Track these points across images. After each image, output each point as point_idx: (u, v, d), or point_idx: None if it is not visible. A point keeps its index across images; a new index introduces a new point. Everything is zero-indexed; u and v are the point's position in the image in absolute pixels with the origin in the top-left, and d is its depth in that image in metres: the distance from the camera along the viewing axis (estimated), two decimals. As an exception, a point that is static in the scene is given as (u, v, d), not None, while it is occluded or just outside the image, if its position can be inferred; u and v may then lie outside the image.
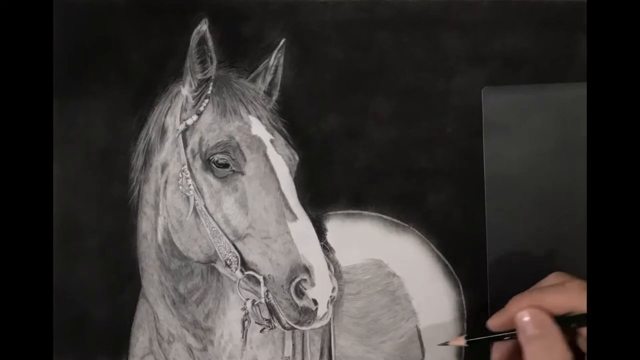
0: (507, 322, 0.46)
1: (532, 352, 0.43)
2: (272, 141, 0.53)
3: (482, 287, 0.54)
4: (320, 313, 0.50)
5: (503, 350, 0.48)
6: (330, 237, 0.55)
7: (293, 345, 0.55)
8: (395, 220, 0.55)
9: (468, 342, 0.48)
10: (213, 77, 0.53)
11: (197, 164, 0.53)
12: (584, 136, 0.48)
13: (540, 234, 0.54)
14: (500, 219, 0.54)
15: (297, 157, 0.54)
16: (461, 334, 0.54)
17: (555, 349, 0.43)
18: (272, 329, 0.52)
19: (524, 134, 0.54)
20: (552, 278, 0.47)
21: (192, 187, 0.52)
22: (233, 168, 0.52)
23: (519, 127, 0.54)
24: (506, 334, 0.46)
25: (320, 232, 0.54)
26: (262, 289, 0.51)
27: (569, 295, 0.44)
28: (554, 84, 0.55)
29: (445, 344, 0.50)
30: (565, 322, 0.44)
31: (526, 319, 0.43)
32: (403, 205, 0.55)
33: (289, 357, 0.55)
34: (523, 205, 0.54)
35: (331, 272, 0.52)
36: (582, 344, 0.45)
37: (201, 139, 0.53)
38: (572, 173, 0.54)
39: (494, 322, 0.47)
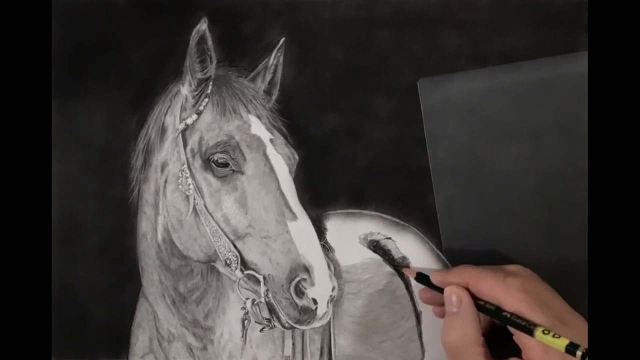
0: (442, 281, 0.49)
1: (446, 325, 0.47)
2: (271, 140, 0.53)
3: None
4: (320, 312, 0.50)
5: (427, 297, 0.52)
6: (330, 237, 0.55)
7: (293, 344, 0.55)
8: (395, 219, 0.55)
9: (416, 278, 0.52)
10: (213, 77, 0.53)
11: (197, 163, 0.53)
12: (540, 119, 0.49)
13: (492, 221, 0.54)
14: (450, 210, 0.54)
15: (296, 157, 0.54)
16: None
17: (466, 330, 0.45)
18: (272, 328, 0.52)
19: (469, 121, 0.54)
20: (512, 267, 0.48)
21: (191, 186, 0.52)
22: (233, 167, 0.52)
23: (462, 115, 0.54)
24: (435, 287, 0.50)
25: (320, 232, 0.54)
26: (262, 289, 0.51)
27: (504, 291, 0.45)
28: (500, 66, 0.54)
29: (399, 267, 0.54)
30: (489, 312, 0.46)
31: (453, 297, 0.47)
32: (403, 205, 0.55)
33: (288, 357, 0.55)
34: (472, 194, 0.54)
35: (331, 271, 0.52)
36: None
37: (201, 138, 0.53)
38: (527, 157, 0.53)
39: (434, 278, 0.50)
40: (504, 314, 0.45)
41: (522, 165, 0.53)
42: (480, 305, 0.46)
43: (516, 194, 0.54)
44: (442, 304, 0.48)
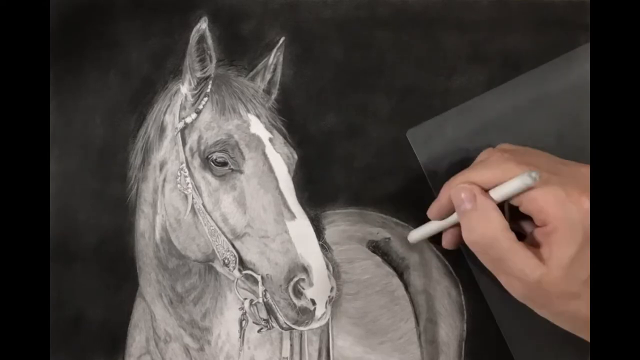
0: (443, 208, 0.47)
1: (467, 224, 0.45)
2: (271, 140, 0.53)
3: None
4: (318, 313, 0.50)
5: (453, 235, 0.50)
6: (328, 237, 0.54)
7: (291, 345, 0.54)
8: (394, 219, 0.55)
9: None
10: (212, 76, 0.53)
11: (196, 162, 0.52)
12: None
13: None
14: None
15: (295, 156, 0.54)
16: (460, 334, 0.54)
17: (489, 218, 0.43)
18: (269, 329, 0.52)
19: (467, 158, 0.53)
20: (482, 154, 0.48)
21: (190, 185, 0.52)
22: (231, 166, 0.52)
23: (460, 153, 0.54)
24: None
25: (319, 231, 0.53)
26: (260, 289, 0.50)
27: (492, 169, 0.44)
28: (472, 100, 0.54)
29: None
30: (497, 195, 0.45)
31: (461, 194, 0.44)
32: (402, 204, 0.54)
33: (286, 358, 0.54)
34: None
35: (330, 271, 0.51)
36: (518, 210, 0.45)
37: (200, 137, 0.53)
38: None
39: (432, 212, 0.49)
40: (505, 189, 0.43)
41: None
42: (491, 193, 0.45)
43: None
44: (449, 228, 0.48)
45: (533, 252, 0.42)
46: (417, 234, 0.52)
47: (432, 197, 0.49)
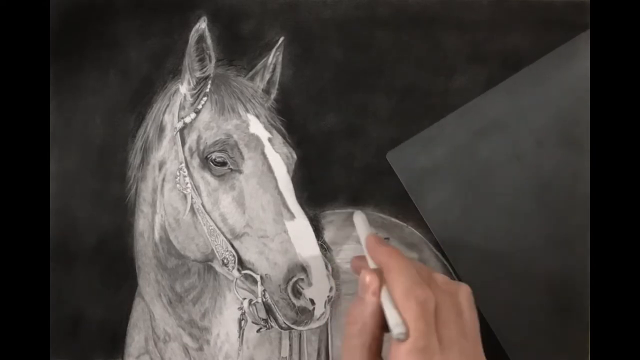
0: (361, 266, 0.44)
1: (352, 306, 0.42)
2: (270, 139, 0.53)
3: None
4: (317, 313, 0.50)
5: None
6: (327, 236, 0.54)
7: (290, 345, 0.54)
8: (393, 219, 0.54)
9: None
10: (211, 75, 0.53)
11: (195, 162, 0.53)
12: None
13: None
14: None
15: (295, 156, 0.54)
16: None
17: (362, 316, 0.40)
18: (269, 328, 0.52)
19: (453, 174, 0.54)
20: (438, 276, 0.43)
21: (189, 185, 0.52)
22: (231, 166, 0.52)
23: (441, 170, 0.54)
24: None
25: (318, 231, 0.53)
26: (259, 289, 0.50)
27: (403, 282, 0.40)
28: (447, 117, 0.54)
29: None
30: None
31: (366, 279, 0.41)
32: (401, 204, 0.54)
33: (285, 358, 0.54)
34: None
35: (329, 271, 0.51)
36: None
37: (199, 137, 0.53)
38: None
39: (354, 263, 0.47)
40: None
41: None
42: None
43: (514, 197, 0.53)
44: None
45: None
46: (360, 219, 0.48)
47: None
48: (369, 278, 0.41)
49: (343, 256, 0.55)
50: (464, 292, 0.42)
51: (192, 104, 0.53)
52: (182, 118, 0.53)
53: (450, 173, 0.53)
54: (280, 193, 0.51)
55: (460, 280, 0.54)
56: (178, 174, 0.53)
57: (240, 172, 0.52)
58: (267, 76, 0.55)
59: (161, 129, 0.54)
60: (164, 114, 0.55)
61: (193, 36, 0.52)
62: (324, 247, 0.54)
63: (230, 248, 0.51)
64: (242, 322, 0.53)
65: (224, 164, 0.52)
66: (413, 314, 0.38)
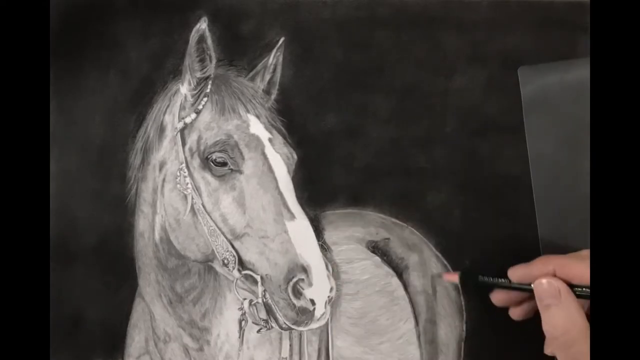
0: (525, 276, 0.47)
1: (550, 319, 0.45)
2: (270, 140, 0.53)
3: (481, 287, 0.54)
4: (317, 313, 0.50)
5: (503, 298, 0.49)
6: (328, 237, 0.54)
7: (290, 345, 0.54)
8: (393, 219, 0.55)
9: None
10: (212, 76, 0.53)
11: (195, 162, 0.52)
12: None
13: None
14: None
15: (295, 156, 0.54)
16: (459, 335, 0.54)
17: (572, 317, 0.44)
18: (269, 329, 0.52)
19: (565, 113, 0.53)
20: (584, 252, 0.47)
21: (189, 185, 0.52)
22: (231, 167, 0.52)
23: (560, 105, 0.53)
24: (515, 286, 0.48)
25: (318, 231, 0.53)
26: (260, 289, 0.50)
27: (583, 266, 0.44)
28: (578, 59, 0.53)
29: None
30: (586, 297, 0.44)
31: (544, 286, 0.45)
32: (401, 205, 0.54)
33: (286, 358, 0.54)
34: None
35: (329, 271, 0.51)
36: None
37: (199, 137, 0.52)
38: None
39: (514, 273, 0.48)
40: None
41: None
42: (577, 291, 0.45)
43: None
44: (519, 303, 0.47)
45: None
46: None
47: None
48: (548, 285, 0.44)
49: (343, 256, 0.55)
50: None
51: (193, 105, 0.53)
52: (183, 118, 0.53)
53: (570, 114, 0.52)
54: (280, 193, 0.51)
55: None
56: (178, 174, 0.53)
57: (240, 172, 0.52)
58: (267, 77, 0.55)
59: (162, 130, 0.54)
60: (164, 115, 0.55)
61: (193, 36, 0.52)
62: (325, 248, 0.54)
63: (230, 248, 0.51)
64: (243, 322, 0.53)
65: (224, 164, 0.52)
66: None
